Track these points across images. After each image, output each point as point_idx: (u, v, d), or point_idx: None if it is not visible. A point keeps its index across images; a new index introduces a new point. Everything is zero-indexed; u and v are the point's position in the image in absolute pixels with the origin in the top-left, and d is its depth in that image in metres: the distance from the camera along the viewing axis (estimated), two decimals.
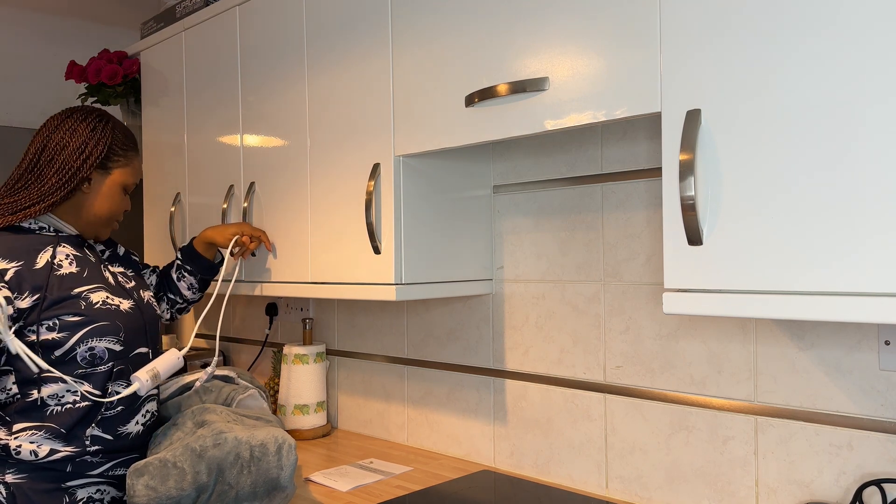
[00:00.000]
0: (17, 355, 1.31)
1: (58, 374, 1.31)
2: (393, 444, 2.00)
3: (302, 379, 2.08)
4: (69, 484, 1.36)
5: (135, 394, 1.43)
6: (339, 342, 2.22)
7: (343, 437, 2.10)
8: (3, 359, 1.32)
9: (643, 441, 1.49)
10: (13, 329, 1.31)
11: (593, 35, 1.17)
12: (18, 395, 1.34)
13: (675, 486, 1.44)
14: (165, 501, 1.27)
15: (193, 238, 1.80)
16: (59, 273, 1.38)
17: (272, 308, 2.44)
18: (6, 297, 1.29)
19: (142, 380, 1.39)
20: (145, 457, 1.45)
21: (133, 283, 1.54)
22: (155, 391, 1.51)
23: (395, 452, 1.92)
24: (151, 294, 1.57)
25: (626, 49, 1.13)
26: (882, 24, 0.87)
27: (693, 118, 1.03)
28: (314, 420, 2.09)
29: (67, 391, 1.35)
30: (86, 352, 1.35)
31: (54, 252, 1.40)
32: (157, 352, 1.52)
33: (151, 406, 1.49)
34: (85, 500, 1.37)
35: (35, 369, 1.32)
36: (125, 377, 1.41)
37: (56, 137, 1.44)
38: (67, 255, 1.42)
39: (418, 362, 1.96)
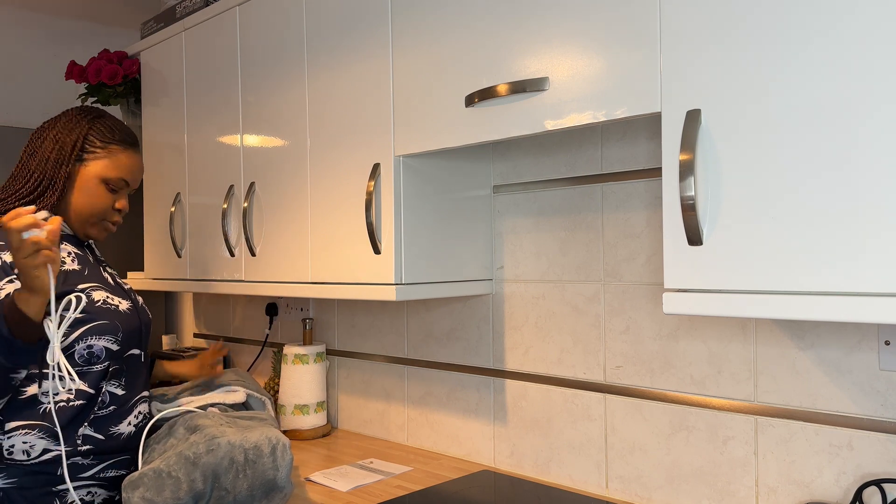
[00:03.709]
0: (48, 367, 1.27)
1: (83, 386, 1.28)
2: (393, 444, 2.00)
3: (302, 379, 2.08)
4: (60, 487, 1.35)
5: (127, 392, 1.42)
6: (339, 342, 2.22)
7: (343, 437, 2.10)
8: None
9: (643, 441, 1.49)
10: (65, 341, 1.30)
11: (593, 35, 1.17)
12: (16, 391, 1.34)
13: (675, 486, 1.44)
14: None
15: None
16: (63, 269, 1.38)
17: (272, 308, 2.44)
18: (77, 296, 1.25)
19: None
20: (136, 458, 1.45)
21: (129, 286, 1.55)
22: (146, 392, 1.50)
23: (395, 452, 1.91)
24: (142, 299, 1.58)
25: (626, 49, 1.13)
26: (885, 25, 0.87)
27: (693, 118, 1.03)
28: (314, 420, 2.09)
29: (61, 388, 1.34)
30: (84, 350, 1.35)
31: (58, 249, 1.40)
32: (147, 355, 1.52)
33: (144, 408, 1.48)
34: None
35: (66, 385, 1.29)
36: (118, 377, 1.41)
37: (40, 135, 1.47)
38: (70, 253, 1.43)
39: (418, 362, 1.96)
